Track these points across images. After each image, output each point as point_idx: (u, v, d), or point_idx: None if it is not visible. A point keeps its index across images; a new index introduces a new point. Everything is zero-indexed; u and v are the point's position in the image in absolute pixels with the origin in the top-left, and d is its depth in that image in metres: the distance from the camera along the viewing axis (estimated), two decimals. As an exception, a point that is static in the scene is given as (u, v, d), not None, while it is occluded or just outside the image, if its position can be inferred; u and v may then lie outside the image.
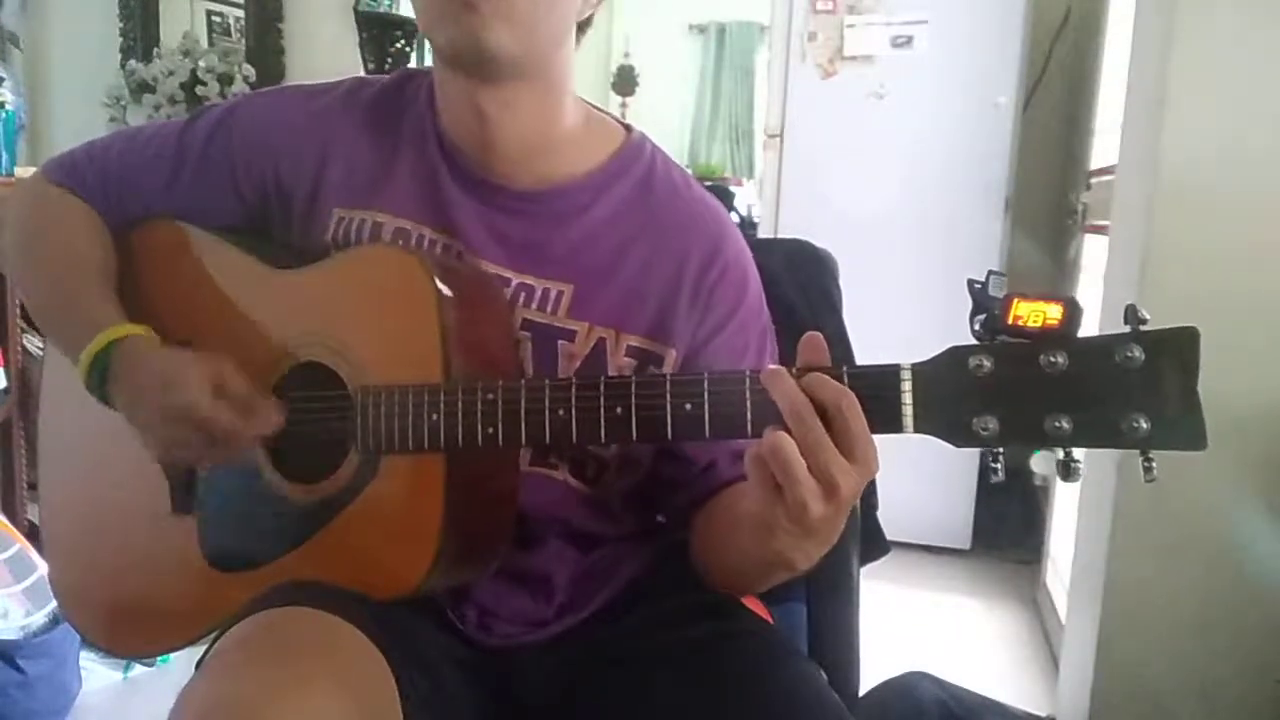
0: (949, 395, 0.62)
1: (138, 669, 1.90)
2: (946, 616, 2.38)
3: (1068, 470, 0.62)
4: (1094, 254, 2.20)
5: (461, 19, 0.76)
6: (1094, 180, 2.29)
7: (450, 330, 0.76)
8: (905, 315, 2.52)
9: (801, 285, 1.07)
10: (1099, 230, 2.08)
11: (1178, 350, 0.58)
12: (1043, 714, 1.79)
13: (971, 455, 2.66)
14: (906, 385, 0.63)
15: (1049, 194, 2.92)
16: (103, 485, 0.93)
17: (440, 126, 0.87)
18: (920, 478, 2.54)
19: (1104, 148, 2.25)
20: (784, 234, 2.65)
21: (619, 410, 0.70)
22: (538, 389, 0.73)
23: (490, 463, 0.80)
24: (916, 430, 0.63)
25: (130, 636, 0.93)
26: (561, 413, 0.72)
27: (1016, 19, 2.56)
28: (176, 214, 0.93)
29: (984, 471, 2.64)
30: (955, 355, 0.62)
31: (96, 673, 1.86)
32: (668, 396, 0.69)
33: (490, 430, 0.73)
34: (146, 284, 0.91)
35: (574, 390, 0.72)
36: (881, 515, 1.08)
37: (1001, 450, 0.64)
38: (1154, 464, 0.60)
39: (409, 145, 0.88)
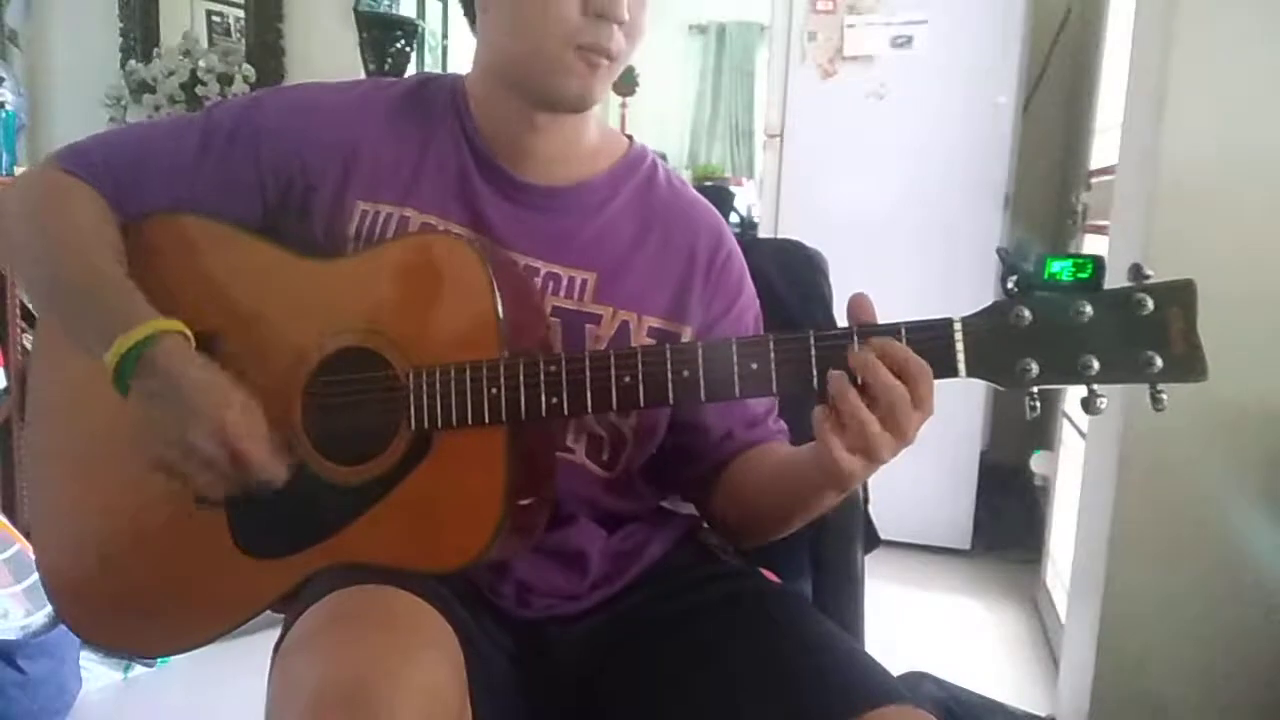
0: (995, 342, 0.71)
1: (138, 669, 1.90)
2: (946, 616, 2.38)
3: (1091, 404, 0.71)
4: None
5: (583, 77, 0.84)
6: (1094, 180, 2.29)
7: (504, 312, 0.80)
8: (905, 314, 2.51)
9: (793, 283, 1.10)
10: (1099, 230, 2.08)
11: (1180, 298, 0.68)
12: (1043, 714, 1.79)
13: (972, 455, 2.66)
14: (958, 335, 0.71)
15: (1049, 194, 2.92)
16: (111, 486, 0.92)
17: (471, 128, 0.92)
18: (920, 478, 2.55)
19: (1104, 148, 2.25)
20: (784, 234, 2.65)
21: (685, 374, 0.75)
22: (602, 357, 0.77)
23: (542, 436, 0.84)
24: (969, 374, 0.71)
25: (155, 634, 0.92)
26: (628, 379, 0.76)
27: (1016, 19, 2.56)
28: (193, 203, 0.92)
29: (984, 471, 2.66)
30: (999, 308, 0.71)
31: (96, 673, 1.86)
32: (734, 357, 0.74)
33: (554, 400, 0.77)
34: (168, 275, 0.90)
35: (640, 357, 0.76)
36: (882, 515, 1.09)
37: (1038, 390, 0.71)
38: (1164, 395, 0.69)
39: (436, 144, 0.92)
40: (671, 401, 0.76)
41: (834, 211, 2.65)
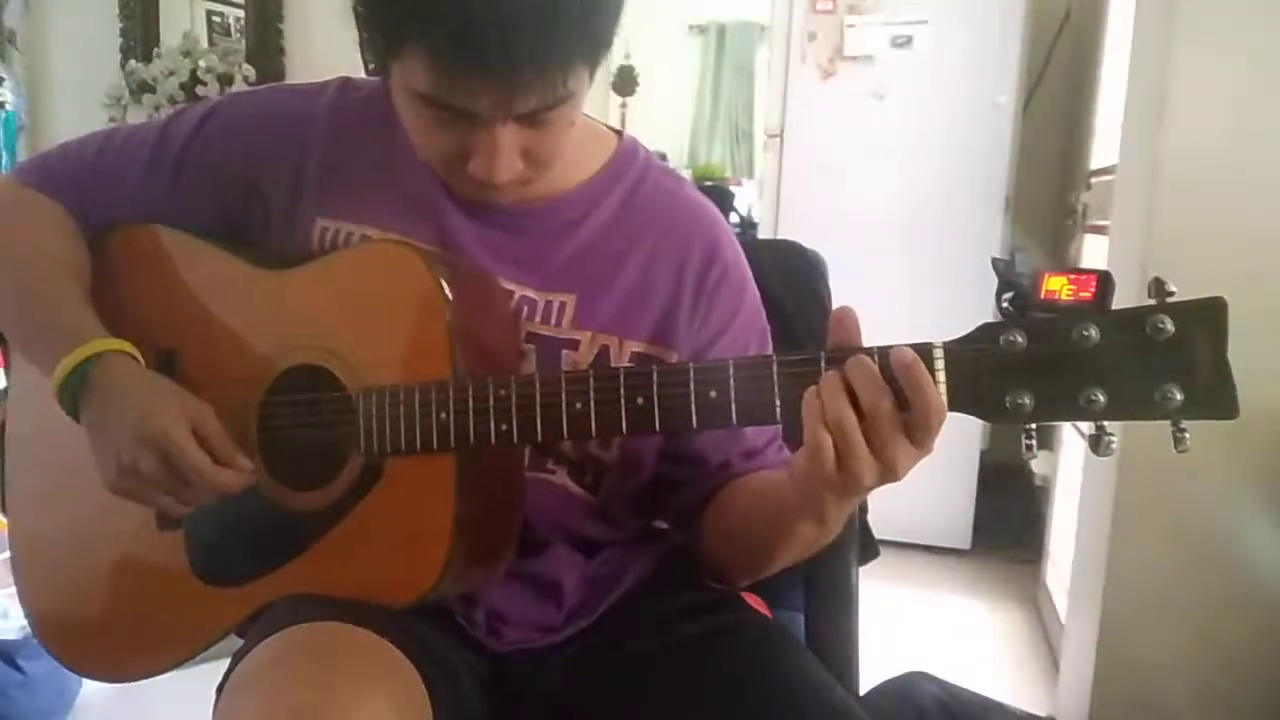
0: (982, 372, 0.62)
1: (138, 669, 1.90)
2: (946, 616, 2.38)
3: (1099, 443, 0.62)
4: (1094, 254, 2.19)
5: (481, 191, 0.78)
6: (1094, 180, 2.29)
7: (455, 326, 0.75)
8: (905, 315, 2.51)
9: (791, 286, 1.07)
10: (1099, 230, 2.08)
11: (1207, 319, 0.59)
12: (1043, 714, 1.79)
13: (972, 455, 2.66)
14: (939, 364, 0.62)
15: (1049, 194, 2.92)
16: (81, 506, 0.89)
17: None
18: (920, 478, 2.53)
19: (1104, 148, 2.25)
20: (784, 234, 2.65)
21: (640, 401, 0.68)
22: (553, 382, 0.71)
23: (498, 462, 0.78)
24: (951, 409, 0.63)
25: (118, 660, 0.90)
26: (579, 406, 0.70)
27: (1016, 19, 2.56)
28: (154, 215, 0.90)
29: (984, 471, 2.66)
30: (987, 332, 0.62)
31: (96, 673, 1.85)
32: (691, 384, 0.67)
33: (504, 427, 0.71)
34: (129, 291, 0.88)
35: (592, 382, 0.70)
36: (882, 515, 1.08)
37: (1034, 426, 0.63)
38: (1186, 434, 0.60)
39: (400, 158, 0.85)
40: (625, 431, 0.69)
41: (834, 212, 2.65)
